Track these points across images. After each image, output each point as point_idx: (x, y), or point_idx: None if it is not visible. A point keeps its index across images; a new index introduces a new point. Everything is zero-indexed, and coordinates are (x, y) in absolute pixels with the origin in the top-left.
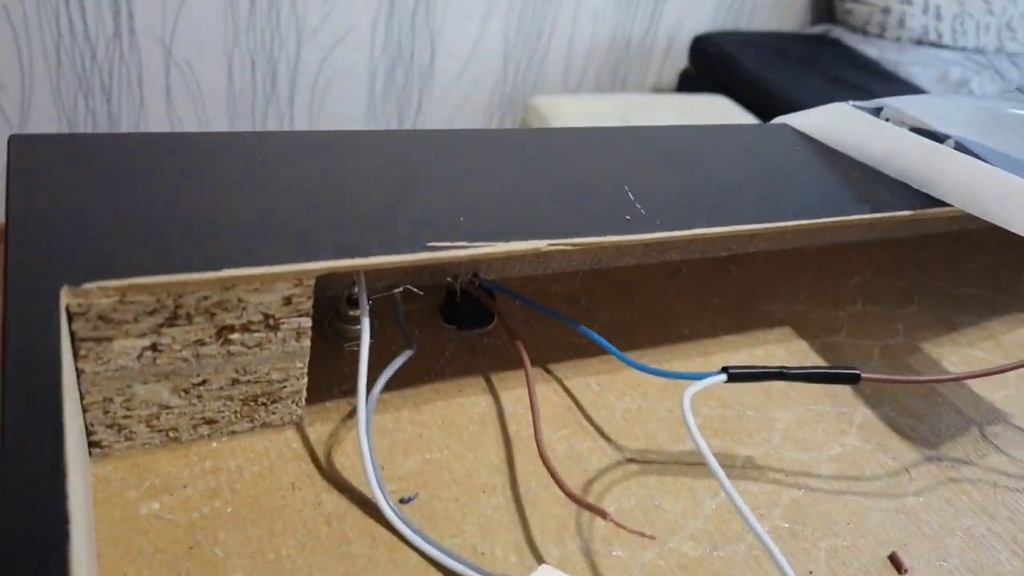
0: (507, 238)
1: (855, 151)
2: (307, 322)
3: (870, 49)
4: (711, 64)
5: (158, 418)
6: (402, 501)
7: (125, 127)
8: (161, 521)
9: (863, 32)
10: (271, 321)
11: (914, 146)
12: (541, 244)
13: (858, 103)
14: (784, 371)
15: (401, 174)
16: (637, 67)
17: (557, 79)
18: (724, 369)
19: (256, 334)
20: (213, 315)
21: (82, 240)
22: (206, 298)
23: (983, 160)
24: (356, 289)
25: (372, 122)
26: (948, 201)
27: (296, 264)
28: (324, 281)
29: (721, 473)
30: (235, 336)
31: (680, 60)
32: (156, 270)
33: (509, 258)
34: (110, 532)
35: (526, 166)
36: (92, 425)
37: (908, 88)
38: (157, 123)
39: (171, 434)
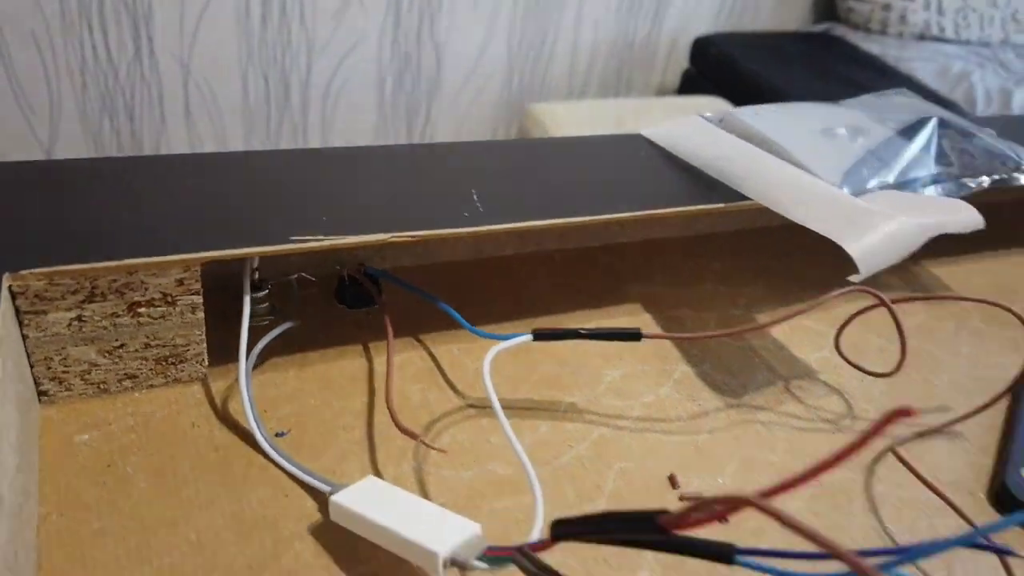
0: (357, 232)
1: (691, 156)
2: (198, 299)
3: (872, 46)
4: (711, 65)
5: (89, 373)
6: (277, 435)
7: (147, 145)
8: (89, 447)
9: (865, 29)
10: (169, 298)
11: (732, 149)
12: (385, 236)
13: (707, 115)
14: (579, 331)
15: (281, 185)
16: (641, 69)
17: (562, 83)
18: (533, 331)
19: (159, 308)
20: (123, 294)
21: (22, 239)
22: (115, 280)
23: (796, 163)
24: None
25: (383, 132)
26: (753, 197)
27: (183, 255)
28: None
29: (501, 413)
30: (142, 310)
31: (683, 61)
32: (76, 260)
33: (394, 248)
34: (52, 456)
35: (396, 175)
36: (39, 378)
37: (910, 84)
38: (178, 140)
39: (101, 386)
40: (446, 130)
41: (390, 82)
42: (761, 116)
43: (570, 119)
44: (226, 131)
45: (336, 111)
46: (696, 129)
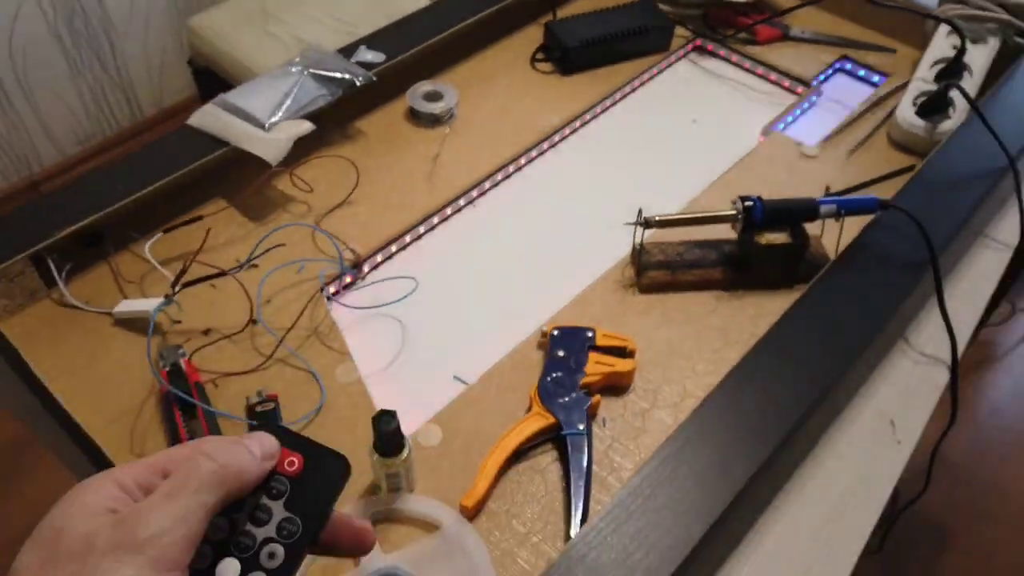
0: None
1: (217, 131)
2: None
3: None
4: None
5: None
6: None
7: None
8: None
9: None
10: None
11: (209, 114)
12: None
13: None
14: None
15: None
16: None
17: None
18: None
19: None
20: None
21: None
22: None
23: None
24: None
25: (78, 76)
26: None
27: None
28: None
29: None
30: None
31: None
32: None
33: None
34: None
35: None
36: None
37: None
38: None
39: None
40: (137, 60)
41: (66, 32)
42: (238, 91)
43: (223, 24)
44: None
45: (31, 76)
46: (209, 114)
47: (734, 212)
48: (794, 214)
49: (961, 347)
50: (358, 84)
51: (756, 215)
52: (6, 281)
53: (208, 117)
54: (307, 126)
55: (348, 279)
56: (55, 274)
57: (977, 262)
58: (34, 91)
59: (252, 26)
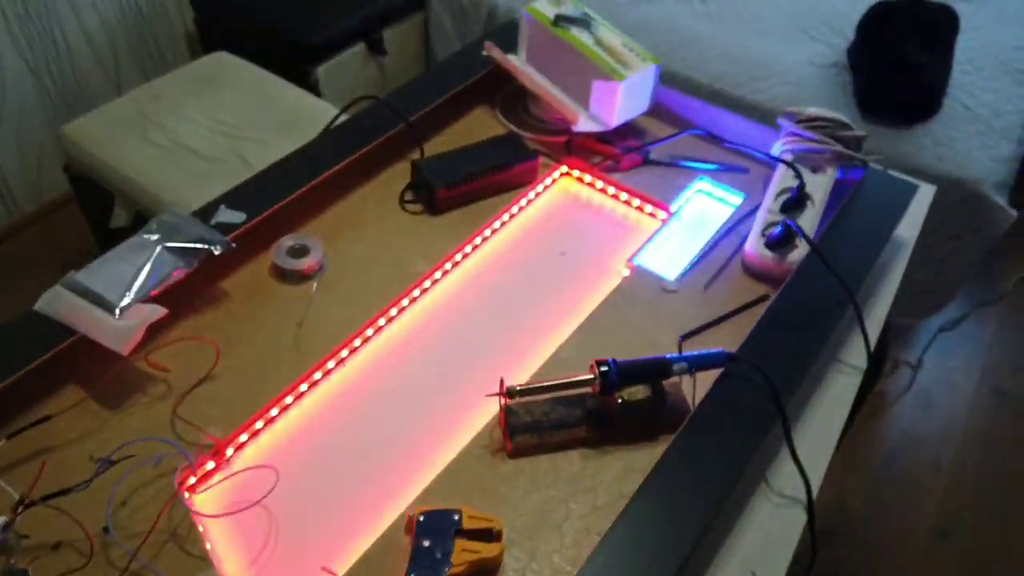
0: None
1: (45, 310)
2: None
3: None
4: (217, 18)
5: None
6: None
7: None
8: None
9: None
10: None
11: (56, 298)
12: None
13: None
14: None
15: None
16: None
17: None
18: None
19: None
20: None
21: None
22: None
23: None
24: None
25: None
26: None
27: None
28: None
29: None
30: None
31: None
32: None
33: None
34: None
35: None
36: None
37: None
38: None
39: None
40: (12, 159)
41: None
42: (88, 270)
43: (99, 131)
44: None
45: None
46: (56, 298)
47: (591, 377)
48: (648, 373)
49: (816, 482)
50: (216, 253)
51: (611, 378)
52: None
53: (55, 301)
54: (159, 311)
55: (210, 466)
56: None
57: (831, 387)
58: None
59: (130, 132)
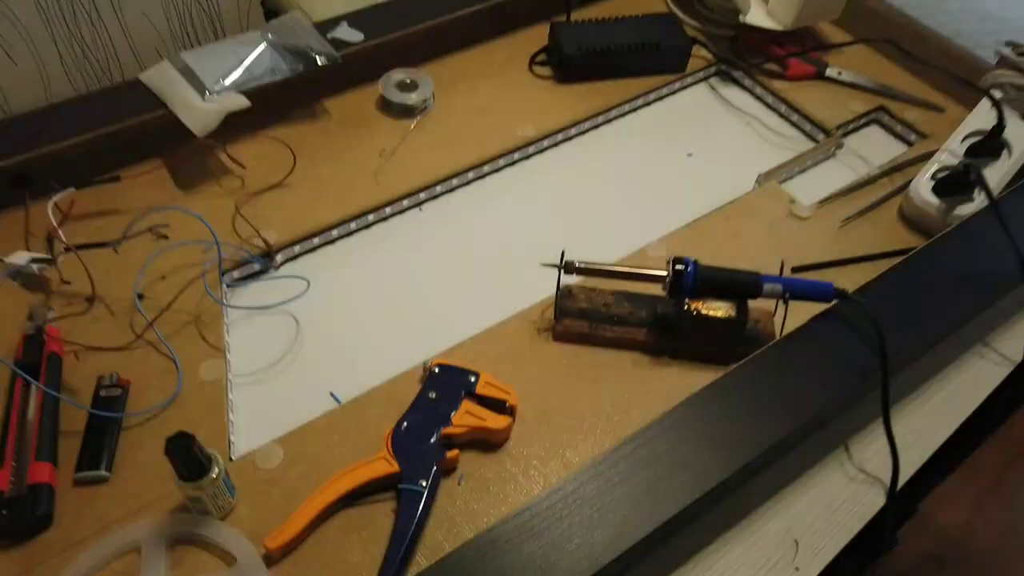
0: None
1: (159, 91)
2: None
3: None
4: None
5: None
6: None
7: None
8: None
9: None
10: None
11: (159, 72)
12: None
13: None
14: None
15: None
16: None
17: None
18: None
19: None
20: None
21: None
22: None
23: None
24: None
25: (172, 9)
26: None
27: None
28: None
29: None
30: None
31: None
32: None
33: None
34: None
35: None
36: None
37: None
38: None
39: None
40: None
41: None
42: (197, 51)
43: None
44: (31, 33)
45: None
46: (159, 72)
47: (663, 274)
48: (732, 288)
49: (908, 471)
50: (319, 64)
51: (686, 282)
52: None
53: (158, 75)
54: (242, 101)
55: (256, 267)
56: None
57: (965, 372)
58: (124, 7)
59: None
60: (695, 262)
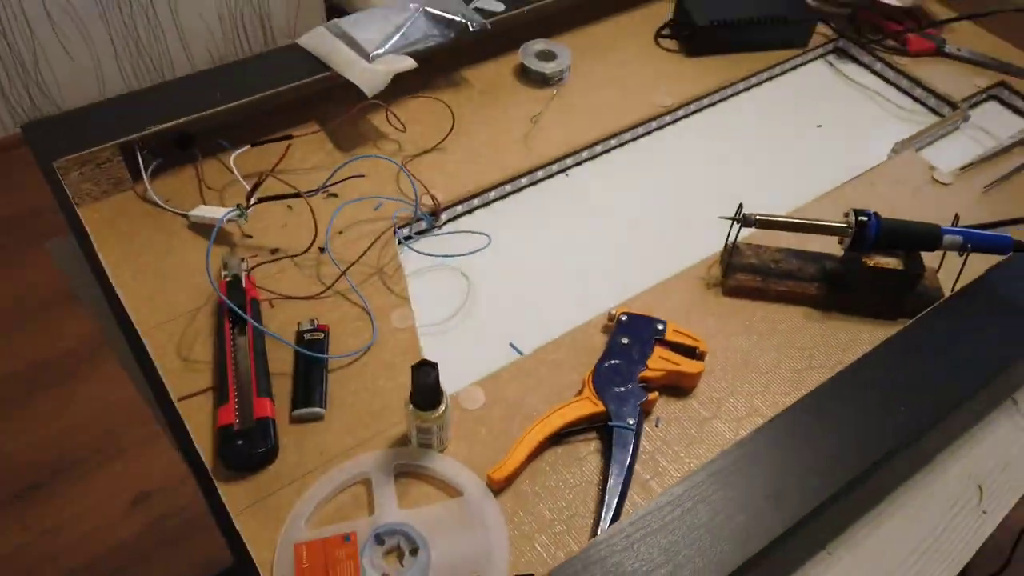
0: None
1: (324, 55)
2: None
3: None
4: None
5: None
6: None
7: (26, 57)
8: None
9: None
10: None
11: (319, 37)
12: None
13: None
14: None
15: None
16: None
17: None
18: None
19: None
20: None
21: None
22: None
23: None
24: None
25: (225, 11)
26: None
27: None
28: None
29: None
30: None
31: None
32: None
33: None
34: None
35: None
36: None
37: None
38: (52, 47)
39: None
40: None
41: None
42: (351, 18)
43: None
44: (89, 29)
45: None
46: (319, 37)
47: (844, 225)
48: (912, 239)
49: None
50: (471, 29)
51: (869, 233)
52: (93, 166)
53: (317, 39)
54: (409, 63)
55: (423, 225)
56: (141, 168)
57: None
58: (179, 6)
59: None
60: (875, 213)
